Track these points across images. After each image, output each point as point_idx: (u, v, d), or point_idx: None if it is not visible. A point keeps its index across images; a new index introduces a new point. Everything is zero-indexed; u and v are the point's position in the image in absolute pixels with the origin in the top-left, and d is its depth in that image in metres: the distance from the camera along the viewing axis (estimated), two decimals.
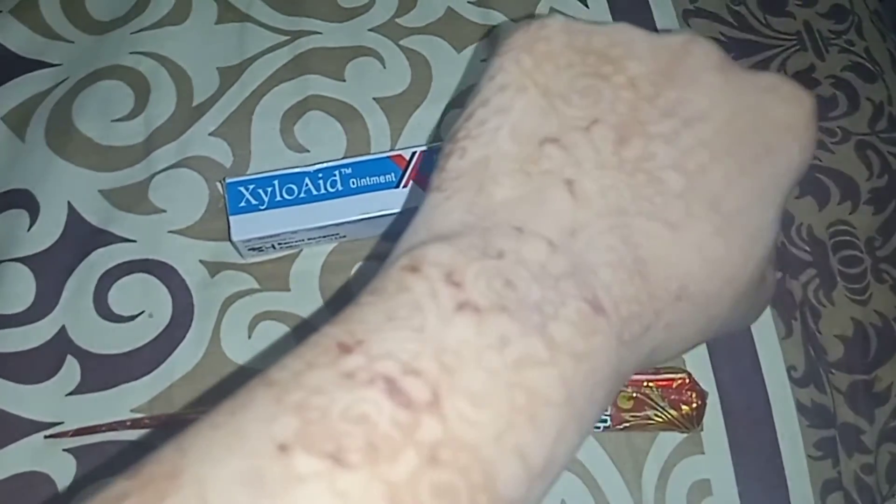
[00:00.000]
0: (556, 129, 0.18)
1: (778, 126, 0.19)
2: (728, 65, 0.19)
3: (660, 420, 0.32)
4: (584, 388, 0.16)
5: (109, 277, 0.34)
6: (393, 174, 0.34)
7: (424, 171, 0.34)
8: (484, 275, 0.16)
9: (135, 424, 0.32)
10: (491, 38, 0.40)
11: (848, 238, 0.38)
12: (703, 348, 0.35)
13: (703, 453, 0.33)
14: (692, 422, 0.32)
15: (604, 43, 0.19)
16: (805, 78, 0.41)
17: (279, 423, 0.14)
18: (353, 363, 0.15)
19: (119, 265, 0.34)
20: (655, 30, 0.42)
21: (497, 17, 0.41)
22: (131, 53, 0.38)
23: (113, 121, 0.37)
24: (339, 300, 0.35)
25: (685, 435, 0.33)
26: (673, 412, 0.32)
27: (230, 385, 0.33)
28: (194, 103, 0.38)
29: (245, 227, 0.33)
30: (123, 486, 0.14)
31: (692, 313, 0.18)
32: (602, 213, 0.18)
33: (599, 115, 0.18)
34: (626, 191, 0.18)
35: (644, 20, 0.42)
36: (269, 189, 0.33)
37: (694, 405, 0.32)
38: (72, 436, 0.32)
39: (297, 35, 0.39)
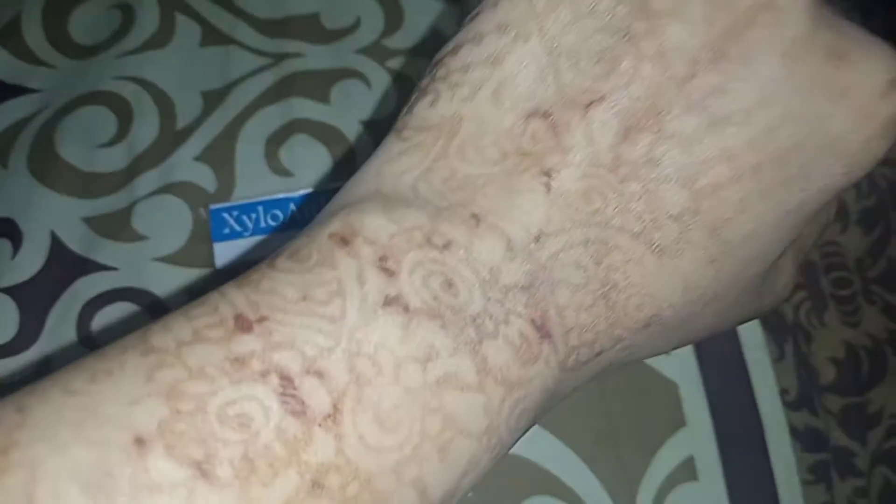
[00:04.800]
0: (550, 101, 0.15)
1: (829, 142, 0.15)
2: (803, 48, 0.15)
3: None
4: (510, 420, 0.14)
5: (93, 307, 0.34)
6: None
7: None
8: (422, 268, 0.14)
9: None
10: None
11: (838, 259, 0.37)
12: (695, 371, 0.34)
13: (696, 480, 0.33)
14: None
15: None
16: None
17: (144, 407, 0.12)
18: (247, 346, 0.12)
19: (102, 294, 0.34)
20: None
21: None
22: (114, 78, 0.38)
23: (96, 147, 0.37)
24: None
25: (679, 461, 0.33)
26: None
27: None
28: (178, 128, 0.37)
29: (230, 254, 0.32)
30: None
31: (661, 335, 0.16)
32: (579, 221, 0.15)
33: (608, 93, 0.15)
34: (614, 199, 0.15)
35: None
36: (254, 215, 0.33)
37: None
38: None
39: (281, 58, 0.39)
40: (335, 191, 0.33)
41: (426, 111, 0.16)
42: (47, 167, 0.36)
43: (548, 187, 0.15)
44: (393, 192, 0.15)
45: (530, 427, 0.15)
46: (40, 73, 0.38)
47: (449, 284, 0.14)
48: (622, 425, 0.33)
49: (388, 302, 0.13)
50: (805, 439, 0.34)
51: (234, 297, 0.13)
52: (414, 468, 0.13)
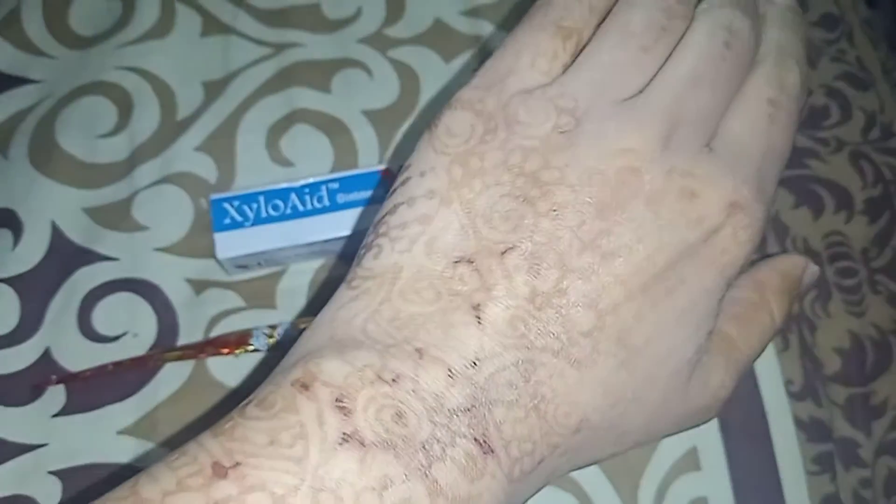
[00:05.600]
0: (472, 251, 0.18)
1: (697, 257, 0.19)
2: (661, 194, 0.19)
3: None
4: None
5: (93, 297, 0.34)
6: (381, 189, 0.33)
7: None
8: (375, 403, 0.15)
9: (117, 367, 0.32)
10: (480, 56, 0.40)
11: (843, 249, 0.37)
12: None
13: (700, 470, 0.33)
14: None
15: (538, 165, 0.19)
16: None
17: None
18: (224, 490, 0.14)
19: (103, 284, 0.34)
20: None
21: (486, 28, 0.40)
22: (114, 69, 0.38)
23: (96, 137, 0.37)
24: None
25: (682, 451, 0.33)
26: None
27: (215, 406, 0.32)
28: (178, 118, 0.37)
29: (230, 244, 0.32)
30: None
31: (594, 439, 0.18)
32: (508, 345, 0.17)
33: (516, 242, 0.18)
34: (534, 324, 0.17)
35: None
36: (255, 205, 0.33)
37: None
38: (56, 382, 0.32)
39: (282, 47, 0.39)
40: (337, 180, 0.33)
41: (371, 262, 0.19)
42: (48, 157, 0.36)
43: (478, 320, 0.17)
44: (345, 335, 0.17)
45: None
46: (40, 64, 0.38)
47: (399, 415, 0.16)
48: None
49: (346, 439, 0.15)
50: (809, 430, 0.34)
51: (211, 447, 0.15)
52: None
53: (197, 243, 0.35)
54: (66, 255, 0.34)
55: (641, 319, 0.18)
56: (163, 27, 0.39)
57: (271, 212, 0.33)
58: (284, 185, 0.33)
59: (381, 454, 0.15)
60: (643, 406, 0.19)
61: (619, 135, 0.19)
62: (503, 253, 0.18)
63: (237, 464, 0.14)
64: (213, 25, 0.39)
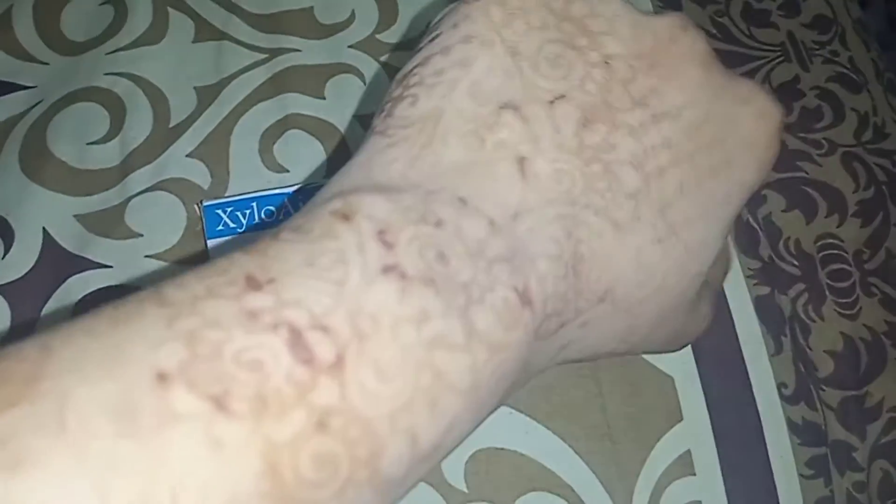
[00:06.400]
0: (518, 96, 0.17)
1: (743, 141, 0.18)
2: (711, 62, 0.18)
3: None
4: (490, 381, 0.15)
5: (86, 304, 0.34)
6: None
7: None
8: (417, 241, 0.15)
9: None
10: None
11: (836, 251, 0.37)
12: (691, 365, 0.34)
13: (694, 474, 0.33)
14: None
15: (583, 11, 0.18)
16: (790, 89, 0.41)
17: (165, 349, 0.13)
18: (259, 302, 0.14)
19: (95, 291, 0.34)
20: None
21: None
22: (107, 74, 0.38)
23: (88, 144, 0.36)
24: None
25: (676, 456, 0.33)
26: None
27: None
28: (171, 124, 0.37)
29: (223, 250, 0.32)
30: None
31: (612, 316, 0.18)
32: (551, 199, 0.16)
33: (567, 91, 0.17)
34: (580, 180, 0.17)
35: None
36: (248, 211, 0.33)
37: None
38: None
39: (275, 53, 0.39)
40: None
41: (408, 111, 0.17)
42: (39, 164, 0.36)
43: (522, 172, 0.16)
44: (385, 179, 0.16)
45: (507, 398, 0.17)
46: (32, 70, 0.38)
47: (441, 256, 0.15)
48: (619, 420, 0.33)
49: (387, 269, 0.14)
50: (803, 433, 0.34)
51: (243, 261, 0.14)
52: (407, 417, 0.14)
53: (190, 250, 0.35)
54: (58, 263, 0.34)
55: (684, 194, 0.18)
56: (155, 33, 0.39)
57: (264, 218, 0.33)
58: (278, 191, 0.33)
59: (421, 289, 0.14)
60: (660, 301, 0.18)
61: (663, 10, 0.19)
62: (552, 102, 0.17)
63: (272, 279, 0.14)
64: (205, 31, 0.39)
